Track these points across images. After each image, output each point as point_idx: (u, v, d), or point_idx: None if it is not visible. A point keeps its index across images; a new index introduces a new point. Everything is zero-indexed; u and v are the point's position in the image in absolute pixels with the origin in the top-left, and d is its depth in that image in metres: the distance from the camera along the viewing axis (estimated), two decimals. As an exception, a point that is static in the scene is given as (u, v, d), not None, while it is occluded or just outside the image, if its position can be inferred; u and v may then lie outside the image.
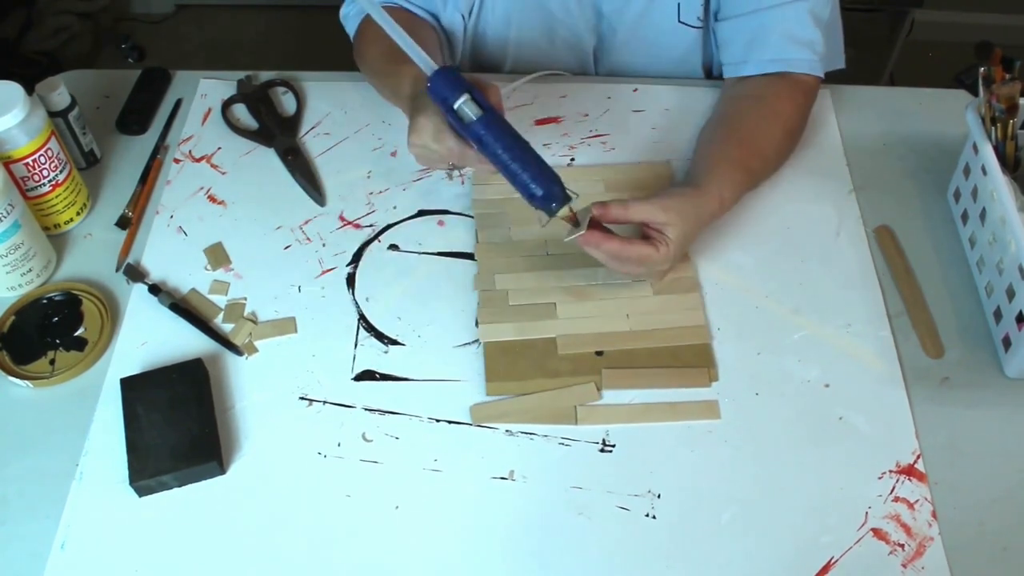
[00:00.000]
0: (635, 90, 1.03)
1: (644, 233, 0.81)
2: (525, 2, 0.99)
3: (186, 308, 0.83)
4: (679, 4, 0.97)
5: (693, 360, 0.80)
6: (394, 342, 0.82)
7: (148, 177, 0.94)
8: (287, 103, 1.02)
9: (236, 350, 0.81)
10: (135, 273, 0.86)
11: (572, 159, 0.96)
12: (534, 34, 1.02)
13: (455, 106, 0.75)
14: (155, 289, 0.84)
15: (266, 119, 0.99)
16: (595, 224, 0.78)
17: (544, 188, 0.75)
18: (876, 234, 0.90)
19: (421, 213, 0.92)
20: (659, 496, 0.73)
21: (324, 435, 0.76)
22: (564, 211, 0.76)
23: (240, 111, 1.01)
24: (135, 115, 1.00)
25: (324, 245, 0.89)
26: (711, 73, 1.06)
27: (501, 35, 1.03)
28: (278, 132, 0.98)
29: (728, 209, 0.86)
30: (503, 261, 0.87)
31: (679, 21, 0.98)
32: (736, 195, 0.86)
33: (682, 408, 0.77)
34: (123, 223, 0.90)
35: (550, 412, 0.77)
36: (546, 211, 0.76)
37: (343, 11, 1.01)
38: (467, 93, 0.75)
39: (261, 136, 0.98)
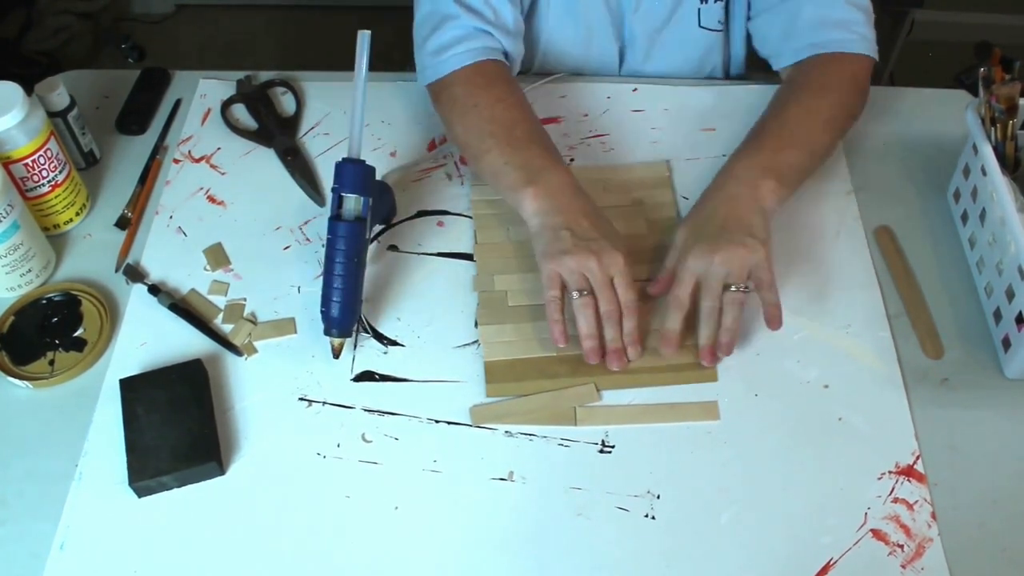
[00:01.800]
0: (635, 90, 1.03)
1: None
2: (565, 13, 0.99)
3: (186, 308, 0.83)
4: (700, 9, 0.97)
5: (692, 360, 0.80)
6: (393, 343, 0.82)
7: (148, 177, 0.94)
8: (287, 103, 1.02)
9: (236, 350, 0.81)
10: (135, 273, 0.86)
11: (572, 159, 0.96)
12: (563, 39, 1.02)
13: (344, 194, 0.77)
14: (155, 289, 0.84)
15: (265, 119, 0.99)
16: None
17: (341, 315, 0.77)
18: (876, 235, 0.90)
19: (421, 214, 0.92)
20: (658, 497, 0.73)
21: (323, 436, 0.76)
22: (336, 341, 0.78)
23: (239, 111, 1.01)
24: (134, 115, 1.00)
25: (324, 246, 0.89)
26: (728, 73, 1.06)
27: (534, 38, 1.02)
28: (277, 132, 0.98)
29: (778, 175, 0.81)
30: (502, 262, 0.87)
31: (700, 26, 0.98)
32: (786, 164, 0.83)
33: (681, 409, 0.77)
34: (122, 223, 0.90)
35: (550, 413, 0.77)
36: (325, 330, 0.78)
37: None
38: (367, 196, 0.77)
39: (260, 136, 0.98)
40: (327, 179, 0.94)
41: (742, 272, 0.77)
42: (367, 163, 0.78)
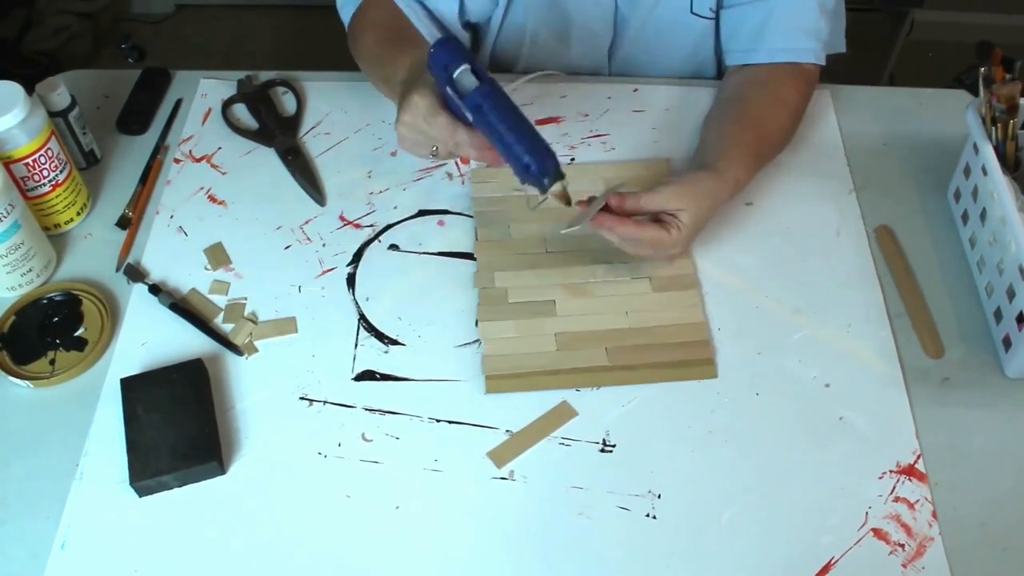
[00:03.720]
0: (635, 90, 1.03)
1: (657, 218, 0.81)
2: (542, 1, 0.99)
3: (186, 308, 0.83)
4: None
5: (692, 356, 0.80)
6: (394, 342, 0.82)
7: (148, 177, 0.94)
8: (287, 103, 1.02)
9: (236, 350, 0.81)
10: (135, 273, 0.86)
11: (572, 159, 0.96)
12: (549, 32, 1.02)
13: (455, 75, 0.74)
14: (155, 289, 0.84)
15: (266, 119, 0.99)
16: (606, 209, 0.79)
17: (538, 162, 0.72)
18: (876, 234, 0.90)
19: (421, 213, 0.92)
20: (659, 496, 0.73)
21: (324, 435, 0.76)
22: (557, 187, 0.73)
23: (240, 111, 1.01)
24: (135, 115, 1.00)
25: (324, 245, 0.89)
26: (720, 68, 1.06)
27: (519, 33, 1.03)
28: (278, 132, 0.98)
29: (741, 190, 0.86)
30: (502, 259, 0.87)
31: (692, 12, 0.98)
32: (749, 177, 0.87)
33: (678, 367, 0.79)
34: (123, 223, 0.90)
35: (552, 418, 0.77)
36: (538, 186, 0.73)
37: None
38: (468, 63, 0.74)
39: (261, 136, 0.98)
40: (327, 179, 0.94)
41: (672, 259, 0.85)
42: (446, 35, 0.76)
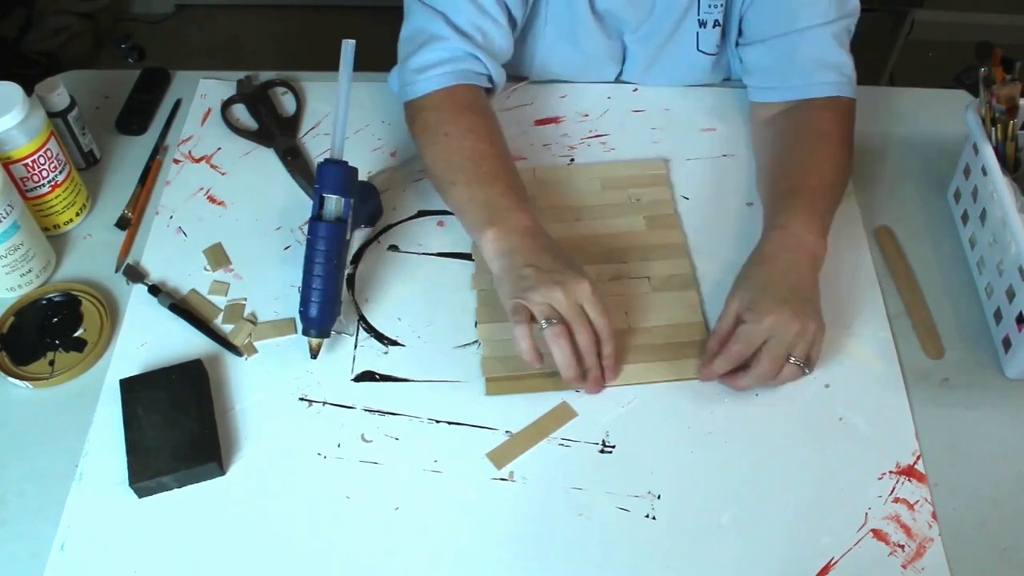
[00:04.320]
0: (635, 90, 1.03)
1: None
2: (561, 40, 0.97)
3: (186, 309, 0.83)
4: (698, 34, 0.96)
5: (691, 356, 0.80)
6: (394, 343, 0.82)
7: (148, 177, 0.94)
8: (287, 103, 1.02)
9: (236, 351, 0.81)
10: (135, 274, 0.86)
11: (572, 159, 0.96)
12: (563, 68, 1.01)
13: (325, 195, 0.77)
14: (155, 290, 0.84)
15: (266, 119, 0.99)
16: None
17: (308, 317, 0.77)
18: (876, 235, 0.90)
19: (421, 214, 0.92)
20: (659, 497, 0.73)
21: (324, 436, 0.76)
22: (314, 342, 0.79)
23: (240, 111, 1.01)
24: (134, 115, 1.00)
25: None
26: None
27: (527, 59, 1.01)
28: (278, 132, 0.98)
29: (824, 233, 0.81)
30: None
31: (698, 50, 0.97)
32: (827, 221, 0.82)
33: (677, 367, 0.79)
34: (123, 223, 0.90)
35: (551, 419, 0.77)
36: (304, 330, 0.78)
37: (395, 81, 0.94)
38: (347, 197, 0.77)
39: (260, 136, 0.98)
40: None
41: (806, 348, 0.75)
42: (349, 164, 0.78)
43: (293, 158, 0.95)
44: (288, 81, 1.04)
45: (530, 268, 0.76)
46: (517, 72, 1.02)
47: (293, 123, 1.00)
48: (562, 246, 0.79)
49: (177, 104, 1.02)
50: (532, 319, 0.75)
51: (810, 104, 0.91)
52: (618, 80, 1.04)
